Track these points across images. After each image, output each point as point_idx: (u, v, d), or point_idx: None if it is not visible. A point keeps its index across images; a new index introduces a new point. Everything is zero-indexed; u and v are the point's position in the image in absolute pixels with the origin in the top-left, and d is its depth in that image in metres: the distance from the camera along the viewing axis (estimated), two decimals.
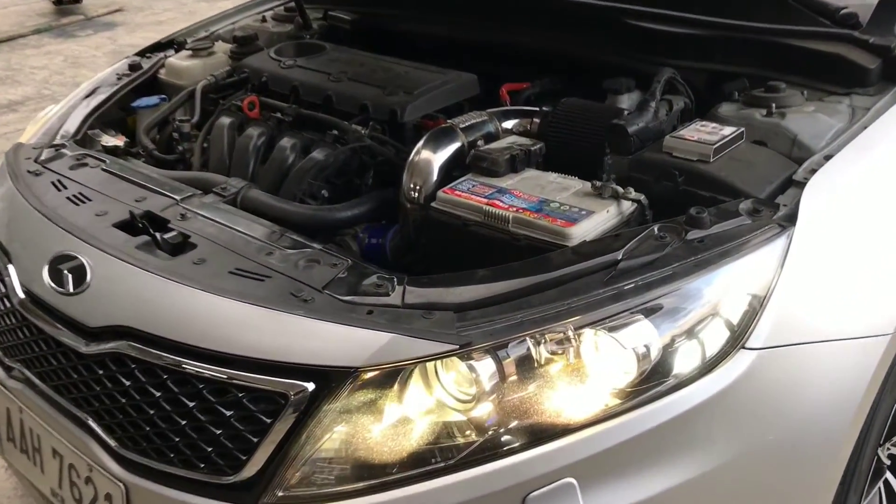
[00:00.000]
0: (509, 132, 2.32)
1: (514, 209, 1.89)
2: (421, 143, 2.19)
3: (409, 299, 1.65)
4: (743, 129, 2.01)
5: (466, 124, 2.25)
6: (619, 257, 1.66)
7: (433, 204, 2.01)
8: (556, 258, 1.70)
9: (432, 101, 2.46)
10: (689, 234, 1.70)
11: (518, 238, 1.85)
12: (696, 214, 1.73)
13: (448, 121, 2.30)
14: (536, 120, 2.34)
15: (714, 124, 2.05)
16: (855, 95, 2.17)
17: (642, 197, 1.88)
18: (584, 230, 1.81)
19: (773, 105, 2.10)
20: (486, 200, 1.93)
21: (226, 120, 2.61)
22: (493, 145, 2.15)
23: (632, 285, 1.61)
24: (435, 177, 2.15)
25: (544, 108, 2.36)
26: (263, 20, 3.27)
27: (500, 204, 1.91)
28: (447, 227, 1.97)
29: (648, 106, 2.11)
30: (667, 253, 1.66)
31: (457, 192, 1.99)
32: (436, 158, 2.17)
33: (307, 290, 1.68)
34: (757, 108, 2.15)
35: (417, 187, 2.14)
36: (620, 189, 1.89)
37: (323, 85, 2.56)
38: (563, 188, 1.98)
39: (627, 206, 1.90)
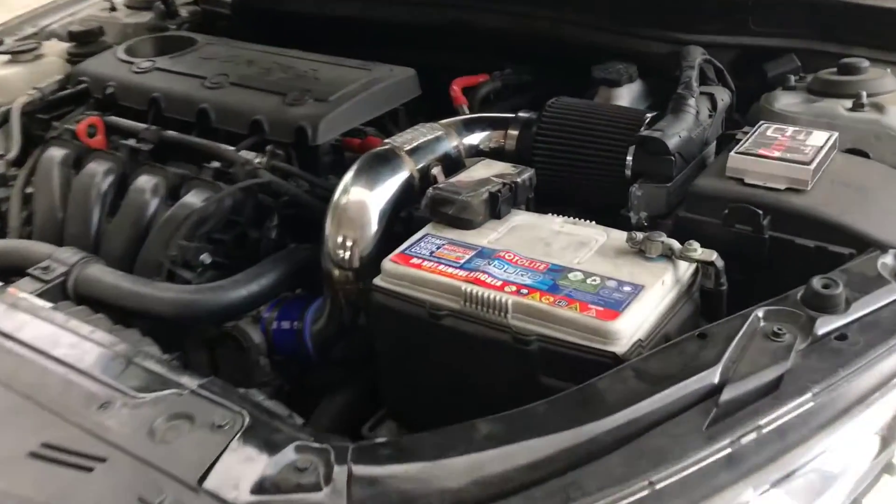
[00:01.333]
0: (476, 152, 1.60)
1: (513, 288, 1.16)
2: (348, 175, 1.45)
3: (361, 495, 0.90)
4: (836, 134, 1.34)
5: (413, 144, 1.51)
6: (718, 379, 0.96)
7: (377, 281, 1.27)
8: (609, 388, 0.98)
9: (356, 110, 1.72)
10: (818, 326, 1.02)
11: (525, 340, 1.12)
12: (824, 289, 1.04)
13: (385, 140, 1.55)
14: (513, 132, 1.61)
15: (788, 128, 1.36)
16: None
17: (715, 256, 1.17)
18: (636, 322, 1.10)
19: (863, 93, 1.43)
20: (463, 274, 1.20)
21: (56, 153, 1.80)
22: (460, 177, 1.41)
23: (753, 435, 0.91)
24: (374, 227, 1.41)
25: (522, 114, 1.63)
26: (112, 9, 2.42)
27: (488, 280, 1.18)
28: (402, 319, 1.24)
29: (686, 105, 1.41)
30: (796, 365, 0.97)
31: (413, 261, 1.25)
32: (372, 199, 1.43)
33: (169, 487, 0.92)
34: (832, 97, 1.48)
35: (348, 244, 1.40)
36: (677, 244, 1.19)
37: (195, 95, 1.78)
38: (578, 242, 1.26)
39: (685, 272, 1.20)
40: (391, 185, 1.45)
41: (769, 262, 1.22)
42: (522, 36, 1.95)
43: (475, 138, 1.62)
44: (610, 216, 1.47)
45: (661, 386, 0.96)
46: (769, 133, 1.34)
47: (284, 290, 1.55)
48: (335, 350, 1.53)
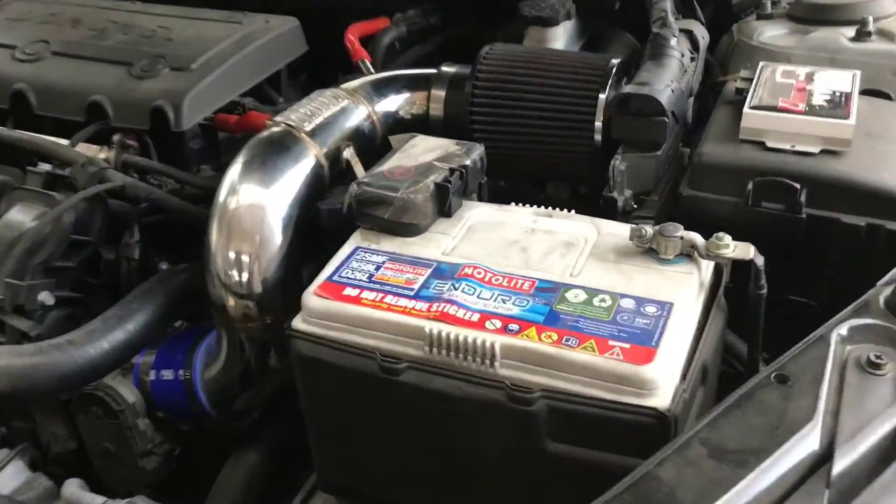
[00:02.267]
0: (393, 122, 1.24)
1: (497, 323, 0.84)
2: (234, 169, 1.08)
3: None
4: (858, 72, 1.07)
5: (315, 122, 1.14)
6: (820, 443, 0.68)
7: (297, 324, 0.91)
8: (679, 479, 0.67)
9: (228, 78, 1.31)
10: None
11: (524, 398, 0.80)
12: None
13: (273, 116, 1.17)
14: (439, 92, 1.26)
15: (798, 69, 1.09)
16: None
17: (753, 252, 0.88)
18: (676, 359, 0.80)
19: (869, 18, 1.17)
20: (422, 307, 0.87)
21: None
22: (389, 164, 1.05)
23: None
24: (277, 238, 1.05)
25: (446, 68, 1.28)
26: None
27: (459, 313, 0.85)
28: (340, 374, 0.89)
29: (669, 48, 1.11)
30: None
31: (348, 292, 0.90)
32: (270, 199, 1.06)
33: None
34: (825, 24, 1.22)
35: (244, 262, 1.04)
36: (700, 239, 0.89)
37: (4, 72, 1.32)
38: (562, 243, 0.95)
39: (707, 272, 0.91)
40: (293, 178, 1.08)
41: (806, 249, 0.95)
42: None
43: (389, 104, 1.26)
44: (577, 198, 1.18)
45: (748, 466, 0.67)
46: (778, 78, 1.06)
47: (160, 330, 1.17)
48: (238, 402, 1.16)
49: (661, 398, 0.78)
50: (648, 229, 0.91)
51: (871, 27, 1.16)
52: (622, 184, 1.05)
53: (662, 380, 0.78)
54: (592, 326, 0.82)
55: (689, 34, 1.21)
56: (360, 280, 0.92)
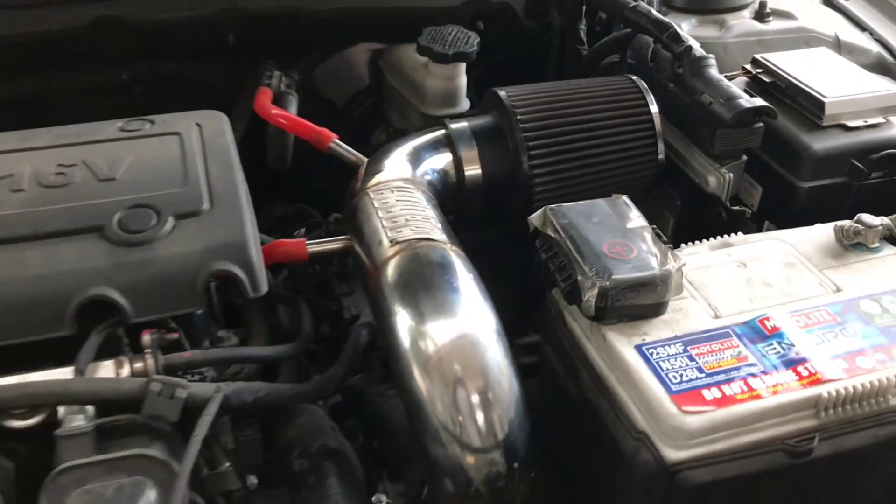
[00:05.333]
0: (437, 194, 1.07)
1: (860, 359, 0.83)
2: (396, 314, 0.86)
3: None
4: (823, 48, 1.26)
5: (426, 223, 0.93)
6: None
7: (678, 457, 0.77)
8: None
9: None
10: None
11: None
12: None
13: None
14: (470, 151, 1.12)
15: (791, 54, 1.23)
16: None
17: None
18: None
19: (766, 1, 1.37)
20: (792, 377, 0.81)
21: None
22: (585, 247, 0.91)
23: None
24: (503, 362, 0.87)
25: (455, 125, 1.13)
26: None
27: (817, 366, 0.82)
28: (735, 485, 0.79)
29: (708, 61, 1.15)
30: None
31: (710, 395, 0.79)
32: (466, 321, 0.86)
33: None
34: (712, 13, 1.39)
35: (478, 406, 0.85)
36: (887, 220, 0.99)
37: None
38: (783, 266, 0.96)
39: None
40: (468, 288, 0.88)
41: None
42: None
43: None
44: None
45: None
46: (789, 67, 1.18)
47: None
48: None
49: None
50: (849, 224, 0.98)
51: (768, 9, 1.36)
52: (734, 190, 1.09)
53: None
54: None
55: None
56: (698, 379, 0.81)
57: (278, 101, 1.24)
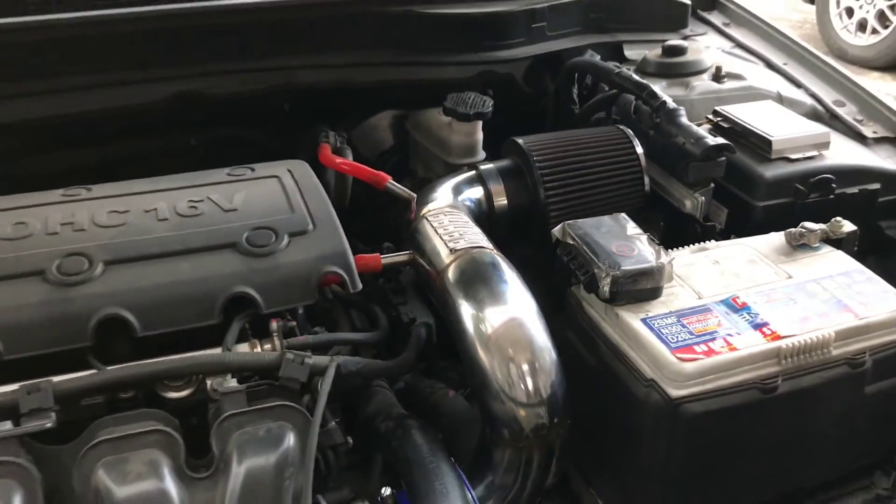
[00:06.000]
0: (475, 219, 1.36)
1: (814, 323, 1.12)
2: (461, 305, 1.13)
3: None
4: (769, 100, 1.58)
5: (475, 235, 1.22)
6: None
7: (678, 393, 1.05)
8: None
9: None
10: None
11: (859, 361, 1.12)
12: None
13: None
14: (498, 186, 1.42)
15: (741, 107, 1.55)
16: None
17: (846, 224, 1.32)
18: None
19: (721, 66, 1.70)
20: (760, 337, 1.10)
21: None
22: (597, 248, 1.19)
23: None
24: (544, 338, 1.14)
25: (483, 166, 1.43)
26: None
27: (780, 329, 1.11)
28: (720, 415, 1.06)
29: (679, 112, 1.47)
30: None
31: (698, 349, 1.07)
32: (514, 308, 1.15)
33: None
34: (679, 76, 1.71)
35: (527, 373, 1.10)
36: (824, 226, 1.29)
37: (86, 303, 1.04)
38: (746, 262, 1.25)
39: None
40: (513, 283, 1.16)
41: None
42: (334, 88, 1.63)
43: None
44: None
45: None
46: (743, 116, 1.50)
47: None
48: None
49: None
50: (796, 230, 1.27)
51: (723, 73, 1.69)
52: (707, 209, 1.39)
53: None
54: (860, 298, 1.16)
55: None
56: (690, 338, 1.09)
57: (337, 153, 1.53)
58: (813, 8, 6.36)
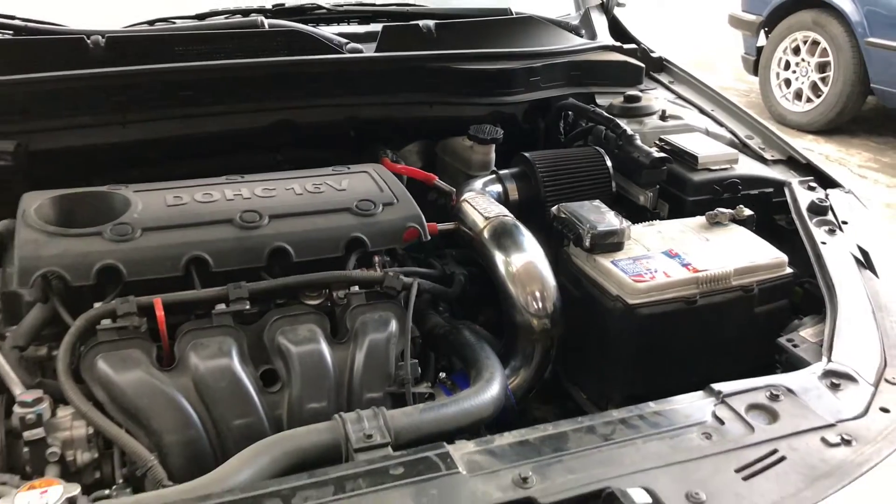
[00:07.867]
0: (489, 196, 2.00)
1: (716, 265, 1.74)
2: (495, 254, 1.76)
3: None
4: (700, 132, 2.24)
5: (500, 209, 1.84)
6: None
7: (633, 301, 1.66)
8: None
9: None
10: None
11: (749, 288, 1.73)
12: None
13: (484, 214, 1.85)
14: (512, 185, 2.06)
15: (682, 136, 2.20)
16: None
17: (747, 211, 1.96)
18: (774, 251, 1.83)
19: (665, 110, 2.37)
20: (682, 272, 1.71)
21: (126, 361, 1.41)
22: (586, 213, 1.81)
23: None
24: (549, 274, 1.76)
25: (503, 171, 2.08)
26: None
27: (698, 266, 1.73)
28: (658, 317, 1.67)
29: (634, 138, 2.11)
30: None
31: (645, 278, 1.69)
32: (532, 254, 1.78)
33: None
34: (635, 117, 2.36)
35: (540, 297, 1.72)
36: (731, 210, 1.93)
37: (257, 236, 1.62)
38: (678, 231, 1.88)
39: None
40: (529, 238, 1.79)
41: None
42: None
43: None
44: None
45: None
46: (679, 142, 2.15)
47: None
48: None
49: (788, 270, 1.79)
50: (713, 213, 1.91)
51: (667, 115, 2.35)
52: (655, 202, 2.03)
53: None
54: (751, 251, 1.79)
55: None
56: (639, 272, 1.71)
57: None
58: (756, 79, 7.22)
